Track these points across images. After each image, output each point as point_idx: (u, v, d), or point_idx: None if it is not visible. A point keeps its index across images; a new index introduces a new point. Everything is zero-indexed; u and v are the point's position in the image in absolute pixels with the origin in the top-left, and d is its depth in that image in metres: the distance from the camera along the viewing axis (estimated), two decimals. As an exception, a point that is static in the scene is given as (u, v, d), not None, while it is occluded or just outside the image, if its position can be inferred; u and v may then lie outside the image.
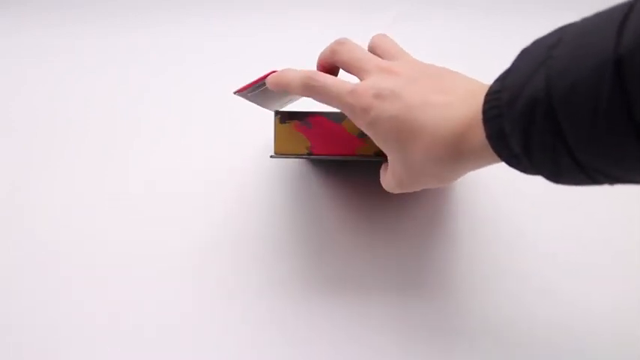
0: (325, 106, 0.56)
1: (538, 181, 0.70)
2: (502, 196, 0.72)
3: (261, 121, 0.80)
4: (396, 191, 0.52)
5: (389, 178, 0.51)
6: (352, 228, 0.69)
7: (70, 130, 0.82)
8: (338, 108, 0.50)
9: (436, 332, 0.62)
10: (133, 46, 0.89)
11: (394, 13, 0.91)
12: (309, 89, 0.51)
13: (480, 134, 0.44)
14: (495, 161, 0.45)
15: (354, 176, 0.73)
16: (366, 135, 0.55)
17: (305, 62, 0.95)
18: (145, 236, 0.69)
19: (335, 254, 0.67)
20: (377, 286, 0.65)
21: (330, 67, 0.55)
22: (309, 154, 0.56)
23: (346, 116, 0.55)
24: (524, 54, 0.43)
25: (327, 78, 0.51)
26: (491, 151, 0.44)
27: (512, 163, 0.43)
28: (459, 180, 0.73)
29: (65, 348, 0.58)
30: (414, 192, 0.71)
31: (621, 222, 0.68)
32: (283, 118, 0.57)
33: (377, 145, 0.49)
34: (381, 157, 0.55)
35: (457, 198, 0.72)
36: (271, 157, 0.58)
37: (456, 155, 0.46)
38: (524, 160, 0.42)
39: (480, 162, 0.45)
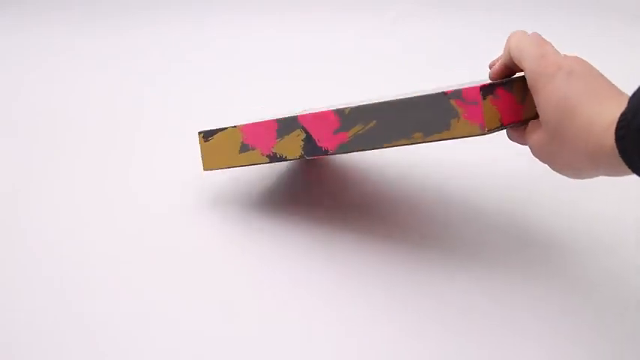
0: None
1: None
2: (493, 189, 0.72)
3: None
4: (533, 147, 0.54)
5: (529, 138, 0.54)
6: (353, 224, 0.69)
7: (70, 130, 0.82)
8: (523, 66, 0.54)
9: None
10: (133, 45, 0.90)
11: (394, 13, 0.91)
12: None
13: (613, 145, 0.47)
14: (629, 172, 0.48)
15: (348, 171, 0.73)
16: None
17: (306, 61, 0.96)
18: (145, 235, 0.69)
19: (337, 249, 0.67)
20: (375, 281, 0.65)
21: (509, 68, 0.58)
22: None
23: None
24: None
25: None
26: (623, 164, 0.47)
27: None
28: (459, 178, 0.73)
29: (65, 348, 0.58)
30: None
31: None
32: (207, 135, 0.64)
33: (536, 102, 0.52)
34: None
35: (456, 193, 0.72)
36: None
37: (593, 152, 0.49)
38: None
39: (613, 169, 0.49)
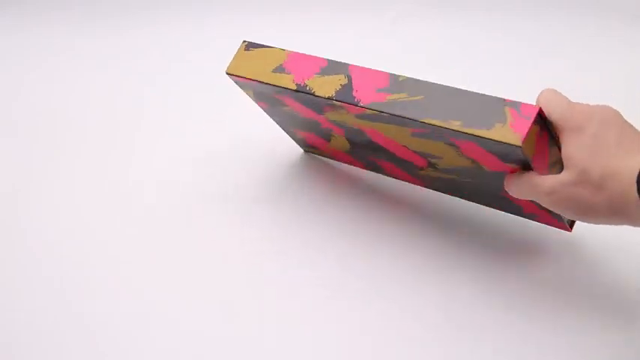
0: None
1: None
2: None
3: (263, 119, 0.80)
4: (537, 194, 0.55)
5: (542, 181, 0.54)
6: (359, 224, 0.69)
7: (70, 130, 0.82)
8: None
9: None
10: (133, 45, 0.90)
11: (394, 13, 0.91)
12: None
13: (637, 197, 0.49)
14: None
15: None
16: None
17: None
18: (145, 235, 0.69)
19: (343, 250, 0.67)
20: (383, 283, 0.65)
21: None
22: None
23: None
24: None
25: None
26: None
27: None
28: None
29: (65, 348, 0.58)
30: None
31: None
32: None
33: (564, 149, 0.52)
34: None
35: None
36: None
37: (619, 199, 0.50)
38: None
39: (635, 220, 0.50)
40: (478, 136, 0.54)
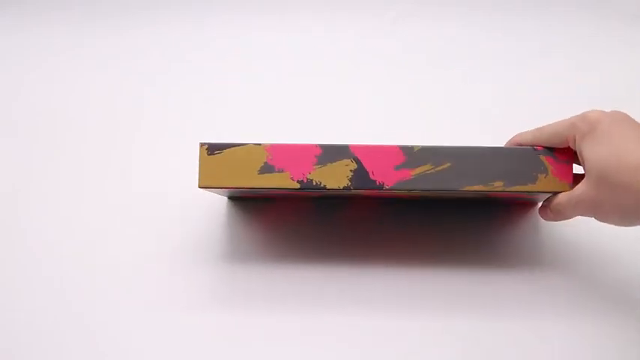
0: None
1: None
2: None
3: (265, 119, 0.80)
4: (567, 209, 0.54)
5: (569, 194, 0.54)
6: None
7: (70, 130, 0.82)
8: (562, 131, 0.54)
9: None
10: (133, 45, 0.89)
11: (394, 13, 0.91)
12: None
13: None
14: None
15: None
16: None
17: (305, 61, 0.96)
18: (145, 235, 0.69)
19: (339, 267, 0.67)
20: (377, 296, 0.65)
21: None
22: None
23: None
24: None
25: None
26: None
27: None
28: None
29: (65, 348, 0.58)
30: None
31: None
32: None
33: (583, 159, 0.52)
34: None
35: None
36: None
37: None
38: None
39: None
40: (525, 192, 0.54)
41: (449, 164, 0.55)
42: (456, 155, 0.55)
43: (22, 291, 0.63)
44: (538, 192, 0.53)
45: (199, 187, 0.56)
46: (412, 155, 0.55)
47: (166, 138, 0.80)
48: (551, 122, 0.56)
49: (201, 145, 0.56)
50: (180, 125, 0.82)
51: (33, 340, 0.58)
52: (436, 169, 0.55)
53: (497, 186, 0.54)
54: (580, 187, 0.54)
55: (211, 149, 0.57)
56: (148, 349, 0.57)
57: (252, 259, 0.65)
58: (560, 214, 0.56)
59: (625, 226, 0.53)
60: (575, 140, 0.54)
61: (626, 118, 0.53)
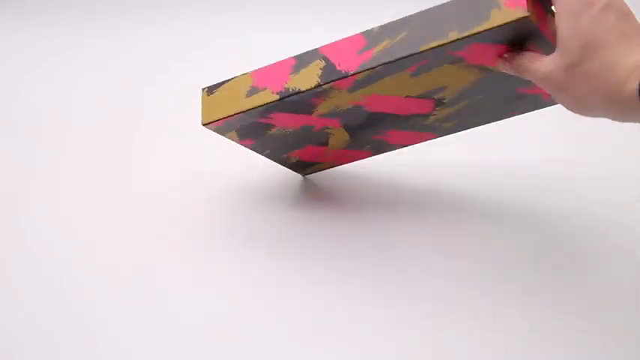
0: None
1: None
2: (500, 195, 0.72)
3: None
4: (531, 76, 0.52)
5: (538, 64, 0.51)
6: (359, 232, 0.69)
7: (70, 130, 0.82)
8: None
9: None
10: (133, 45, 0.90)
11: (394, 12, 0.91)
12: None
13: (634, 90, 0.46)
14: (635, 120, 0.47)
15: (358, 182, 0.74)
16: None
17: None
18: (145, 235, 0.69)
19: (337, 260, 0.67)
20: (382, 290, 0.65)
21: None
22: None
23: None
24: None
25: None
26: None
27: None
28: (463, 182, 0.73)
29: (65, 348, 0.58)
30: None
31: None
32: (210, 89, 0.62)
33: (559, 33, 0.49)
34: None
35: (464, 195, 0.72)
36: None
37: (610, 94, 0.47)
38: None
39: (627, 114, 0.47)
40: (482, 32, 0.52)
41: (405, 33, 0.55)
42: (409, 22, 0.55)
43: (22, 291, 0.63)
44: (495, 28, 0.51)
45: (202, 124, 0.62)
46: (372, 37, 0.56)
47: (166, 138, 0.80)
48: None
49: (203, 89, 0.62)
50: (180, 125, 0.82)
51: (33, 340, 0.58)
52: (394, 41, 0.55)
53: (453, 35, 0.52)
54: (549, 64, 0.51)
55: (210, 90, 0.62)
56: (147, 349, 0.58)
57: (252, 254, 0.65)
58: (520, 74, 0.54)
59: (577, 113, 0.51)
60: (558, 8, 0.50)
61: (617, 5, 0.49)
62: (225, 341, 0.58)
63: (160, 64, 0.89)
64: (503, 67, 0.54)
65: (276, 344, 0.57)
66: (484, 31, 0.51)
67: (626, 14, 0.50)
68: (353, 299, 0.60)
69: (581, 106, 0.50)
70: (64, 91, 0.88)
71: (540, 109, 0.80)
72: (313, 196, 0.72)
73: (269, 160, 0.76)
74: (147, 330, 0.59)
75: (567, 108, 0.51)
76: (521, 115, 0.80)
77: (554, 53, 0.50)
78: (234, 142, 0.80)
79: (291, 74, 0.58)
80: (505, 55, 0.54)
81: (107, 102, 0.86)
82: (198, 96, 0.86)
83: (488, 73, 0.57)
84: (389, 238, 0.66)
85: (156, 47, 0.90)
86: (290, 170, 0.75)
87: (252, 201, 0.73)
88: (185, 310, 0.61)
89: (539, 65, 0.52)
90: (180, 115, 0.84)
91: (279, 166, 0.76)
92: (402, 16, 0.92)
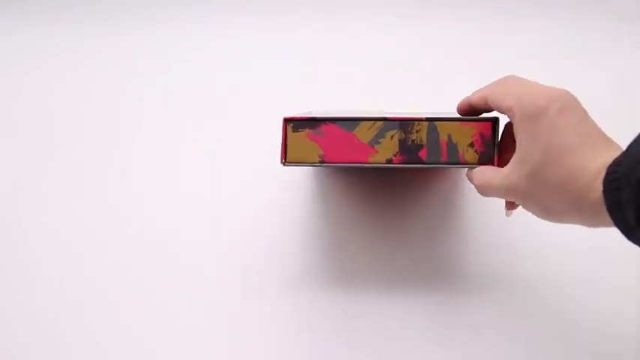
0: (336, 113, 0.54)
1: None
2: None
3: (265, 121, 0.80)
4: (495, 193, 0.51)
5: (500, 178, 0.50)
6: (366, 227, 0.69)
7: (70, 130, 0.82)
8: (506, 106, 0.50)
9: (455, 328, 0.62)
10: (133, 45, 0.89)
11: (394, 12, 0.91)
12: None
13: (600, 196, 0.44)
14: (609, 225, 0.44)
15: (366, 178, 0.73)
16: (378, 142, 0.55)
17: (304, 61, 0.96)
18: (145, 236, 0.69)
19: (350, 252, 0.67)
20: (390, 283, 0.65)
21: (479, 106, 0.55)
22: (321, 162, 0.54)
23: (358, 124, 0.54)
24: None
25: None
26: (608, 216, 0.43)
27: (627, 234, 0.43)
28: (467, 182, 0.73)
29: (65, 348, 0.58)
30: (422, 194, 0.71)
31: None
32: (296, 126, 0.55)
33: (518, 141, 0.48)
34: (392, 164, 0.53)
35: (465, 196, 0.72)
36: (283, 164, 0.55)
37: (576, 200, 0.45)
38: (638, 233, 0.42)
39: (595, 220, 0.45)
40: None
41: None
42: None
43: (22, 291, 0.63)
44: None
45: (286, 163, 0.56)
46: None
47: (166, 138, 0.80)
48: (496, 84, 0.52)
49: (286, 120, 0.55)
50: (180, 125, 0.82)
51: (33, 340, 0.58)
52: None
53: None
54: (510, 175, 0.49)
55: (296, 127, 0.56)
56: (147, 350, 0.57)
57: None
58: (485, 194, 0.52)
59: (546, 220, 0.49)
60: (515, 117, 0.48)
61: (577, 107, 0.48)
62: (226, 342, 0.58)
63: (160, 64, 0.89)
64: (469, 178, 0.54)
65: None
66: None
67: (584, 115, 0.48)
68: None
69: (548, 212, 0.48)
70: (64, 91, 0.88)
71: None
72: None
73: (276, 160, 0.76)
74: (146, 330, 0.59)
75: (535, 215, 0.50)
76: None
77: (515, 161, 0.49)
78: (235, 141, 0.79)
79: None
80: (467, 173, 0.54)
81: (107, 102, 0.86)
82: (198, 96, 0.86)
83: None
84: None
85: (156, 47, 0.89)
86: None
87: (253, 202, 0.72)
88: (186, 311, 0.61)
89: (500, 180, 0.50)
90: (180, 115, 0.84)
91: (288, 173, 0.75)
92: (402, 17, 0.92)
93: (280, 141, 0.55)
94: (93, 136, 0.81)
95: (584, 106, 0.51)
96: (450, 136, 0.53)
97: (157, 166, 0.76)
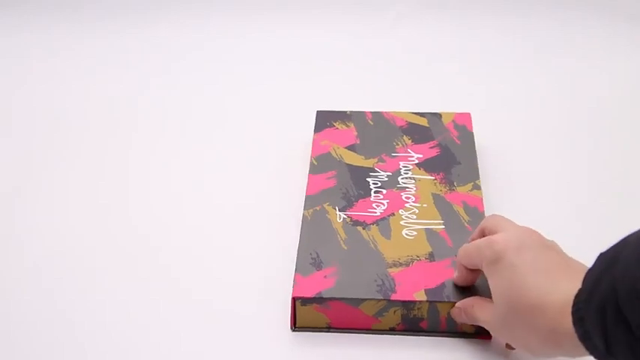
0: (342, 293, 0.55)
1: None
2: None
3: (263, 119, 0.80)
4: (491, 328, 0.53)
5: (485, 323, 0.52)
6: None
7: (70, 130, 0.82)
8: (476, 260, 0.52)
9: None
10: (132, 46, 0.90)
11: (394, 13, 0.91)
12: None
13: (572, 328, 0.44)
14: (587, 354, 0.44)
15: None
16: (382, 315, 0.57)
17: (304, 61, 0.96)
18: (145, 236, 0.69)
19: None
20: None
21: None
22: (328, 328, 0.58)
23: (363, 302, 0.56)
24: (599, 259, 0.44)
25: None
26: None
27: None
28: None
29: (65, 348, 0.58)
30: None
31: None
32: (304, 302, 0.57)
33: (490, 285, 0.50)
34: (395, 332, 0.57)
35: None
36: (292, 330, 0.57)
37: (551, 336, 0.46)
38: (610, 358, 0.42)
39: (580, 351, 0.45)
40: None
41: None
42: None
43: (22, 291, 0.63)
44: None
45: (296, 328, 0.58)
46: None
47: (166, 138, 0.80)
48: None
49: (296, 299, 0.57)
50: (180, 125, 0.82)
51: (33, 340, 0.58)
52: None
53: None
54: (490, 313, 0.51)
55: (304, 303, 0.57)
56: (148, 349, 0.58)
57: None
58: (473, 323, 0.54)
59: (532, 355, 0.50)
60: (482, 265, 0.51)
61: (533, 244, 0.49)
62: (226, 342, 0.58)
63: (160, 64, 0.89)
64: (459, 318, 0.55)
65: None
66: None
67: (543, 247, 0.49)
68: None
69: (534, 352, 0.49)
70: (64, 91, 0.88)
71: None
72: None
73: (271, 151, 0.76)
74: (147, 330, 0.59)
75: (522, 350, 0.51)
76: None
77: (494, 306, 0.50)
78: (235, 141, 0.79)
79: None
80: (458, 305, 0.55)
81: (107, 102, 0.86)
82: (197, 96, 0.86)
83: None
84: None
85: (156, 47, 0.90)
86: None
87: (253, 202, 0.73)
88: (186, 311, 0.61)
89: (486, 314, 0.52)
90: (180, 115, 0.84)
91: (288, 167, 0.75)
92: (402, 17, 0.92)
93: (290, 308, 0.57)
94: (92, 136, 0.81)
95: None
96: (449, 314, 0.56)
97: (157, 166, 0.76)
